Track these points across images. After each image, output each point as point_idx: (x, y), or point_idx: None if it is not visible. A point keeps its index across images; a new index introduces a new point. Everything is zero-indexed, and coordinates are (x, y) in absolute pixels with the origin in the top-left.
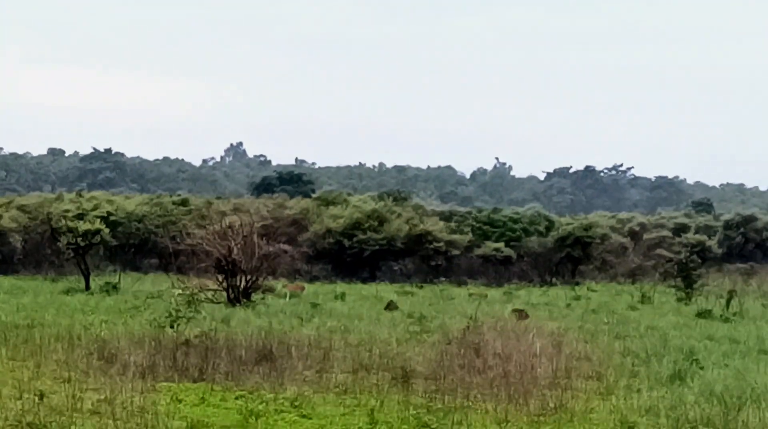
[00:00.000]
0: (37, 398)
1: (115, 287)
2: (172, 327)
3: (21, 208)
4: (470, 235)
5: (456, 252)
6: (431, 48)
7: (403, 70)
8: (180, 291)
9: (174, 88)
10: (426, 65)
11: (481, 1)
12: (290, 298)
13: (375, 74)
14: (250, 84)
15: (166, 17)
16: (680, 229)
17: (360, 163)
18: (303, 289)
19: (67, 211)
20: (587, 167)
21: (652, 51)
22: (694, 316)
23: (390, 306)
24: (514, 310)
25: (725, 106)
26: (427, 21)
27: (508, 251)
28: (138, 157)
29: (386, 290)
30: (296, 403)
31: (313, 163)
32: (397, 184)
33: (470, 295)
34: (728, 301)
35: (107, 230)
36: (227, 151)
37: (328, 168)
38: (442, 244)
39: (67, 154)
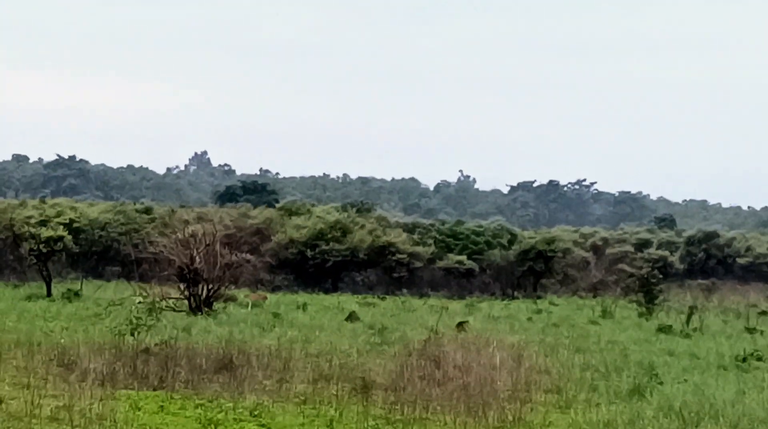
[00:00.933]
0: None
1: (77, 294)
2: (132, 335)
3: None
4: (433, 247)
5: (419, 264)
6: (397, 59)
7: (368, 81)
8: (141, 299)
9: (139, 94)
10: (391, 77)
11: (446, 12)
12: (252, 307)
13: (340, 85)
14: (216, 92)
15: (133, 23)
16: (642, 245)
17: (324, 173)
18: (265, 298)
19: (30, 217)
20: (551, 181)
21: (616, 65)
22: (654, 331)
23: (351, 317)
24: (458, 324)
25: (690, 123)
26: (392, 31)
27: (470, 264)
28: (102, 164)
29: (348, 301)
30: (255, 413)
31: (277, 174)
32: (361, 195)
33: (431, 307)
34: (689, 317)
35: (70, 237)
36: (192, 159)
37: (292, 178)
38: (405, 255)
39: (31, 161)
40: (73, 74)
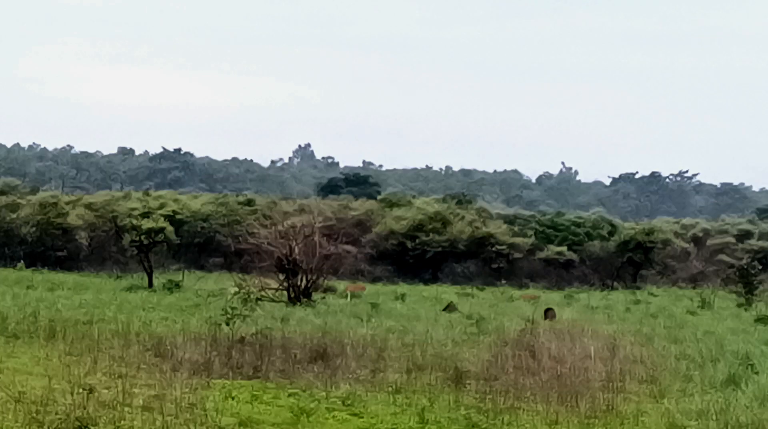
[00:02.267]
0: (87, 393)
1: (177, 285)
2: (227, 325)
3: (88, 206)
4: (533, 238)
5: (518, 255)
6: (499, 53)
7: (471, 74)
8: (237, 289)
9: (242, 88)
10: (494, 70)
11: (550, 4)
12: (351, 298)
13: (443, 78)
14: (320, 85)
15: (237, 18)
16: (744, 236)
17: (426, 165)
18: (364, 289)
19: (134, 209)
20: (653, 173)
21: (719, 56)
22: (753, 321)
23: (449, 307)
24: (546, 310)
25: None
26: (494, 26)
27: (570, 255)
28: (207, 157)
29: (447, 292)
30: (348, 402)
31: (380, 166)
32: (463, 187)
33: (518, 299)
34: None
35: (171, 228)
36: (296, 152)
37: (394, 170)
38: (504, 246)
39: (136, 154)
40: (178, 69)
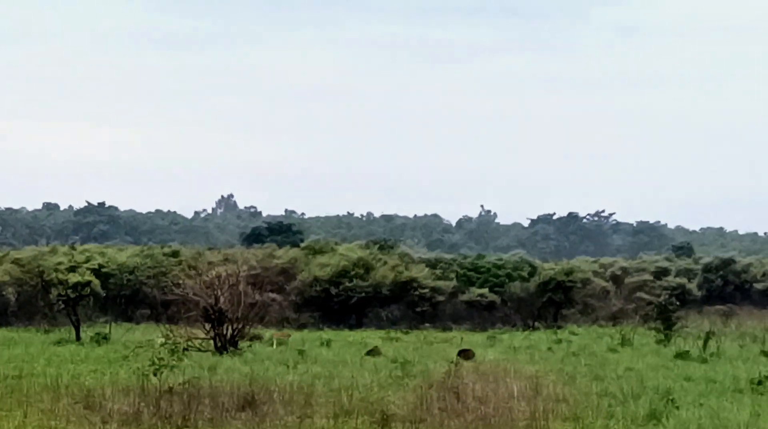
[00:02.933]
0: None
1: (105, 337)
2: (155, 375)
3: (15, 262)
4: (455, 281)
5: (441, 298)
6: (415, 99)
7: (389, 123)
8: (164, 340)
9: (163, 141)
10: (411, 118)
11: (463, 52)
12: (278, 345)
13: (363, 126)
14: (239, 136)
15: (156, 70)
16: (661, 273)
17: (348, 212)
18: (289, 336)
19: (60, 263)
20: (570, 214)
21: (631, 98)
22: (672, 357)
23: (373, 352)
24: (460, 352)
25: (705, 153)
26: (411, 72)
27: (492, 296)
28: (131, 210)
29: (372, 336)
30: None
31: (303, 214)
32: (385, 232)
33: (449, 341)
34: (705, 342)
35: (98, 282)
36: (218, 202)
37: (317, 218)
38: (427, 290)
39: (62, 208)
40: (100, 123)
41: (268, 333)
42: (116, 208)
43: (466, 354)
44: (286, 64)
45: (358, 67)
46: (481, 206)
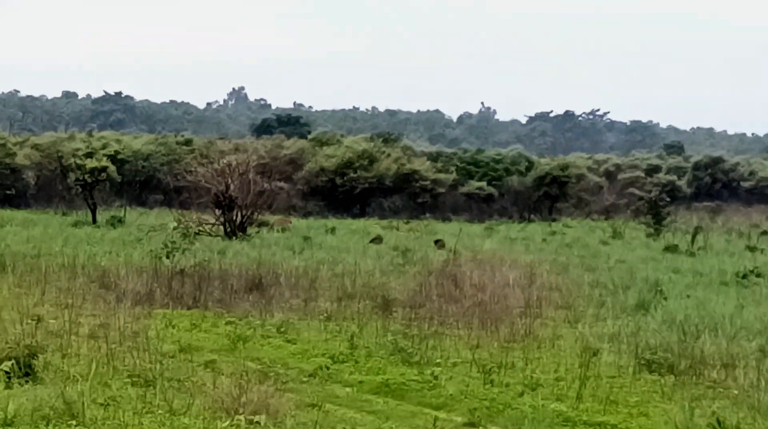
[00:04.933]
0: (35, 322)
1: (120, 221)
2: (168, 257)
3: (35, 147)
4: (455, 174)
5: (441, 190)
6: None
7: (397, 21)
8: (176, 224)
9: (179, 34)
10: (418, 16)
11: None
12: (282, 231)
13: (369, 22)
14: (252, 29)
15: None
16: (652, 170)
17: (354, 107)
18: (290, 223)
19: (78, 149)
20: (567, 112)
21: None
22: (661, 250)
23: (375, 240)
24: (436, 241)
25: (698, 54)
26: None
27: (490, 189)
28: (146, 100)
29: (375, 225)
30: (282, 329)
31: (310, 107)
32: (389, 127)
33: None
34: (694, 237)
35: (114, 168)
36: (230, 94)
37: (324, 111)
38: (428, 182)
39: (80, 97)
40: (119, 14)
41: (273, 220)
42: (132, 98)
43: (439, 243)
44: None
45: None
46: (482, 103)
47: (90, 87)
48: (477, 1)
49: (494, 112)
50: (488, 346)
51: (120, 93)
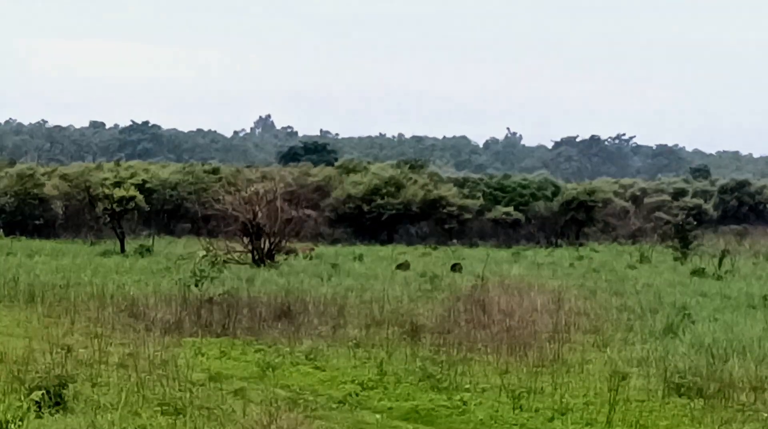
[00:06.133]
0: (65, 352)
1: (148, 250)
2: (196, 286)
3: (63, 177)
4: (482, 199)
5: (468, 216)
6: (446, 23)
7: (420, 46)
8: (205, 253)
9: (207, 63)
10: (442, 40)
11: None
12: (309, 258)
13: (395, 50)
14: (278, 58)
15: None
16: (679, 194)
17: (380, 133)
18: (312, 250)
19: (106, 179)
20: (593, 136)
21: (652, 24)
22: (688, 274)
23: (402, 266)
24: (453, 266)
25: (723, 78)
26: None
27: (517, 215)
28: (174, 128)
29: (402, 251)
30: (311, 356)
31: (337, 134)
32: (416, 153)
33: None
34: (721, 260)
35: (142, 197)
36: (257, 122)
37: (350, 138)
38: (455, 208)
39: (107, 127)
40: (144, 43)
41: (297, 247)
42: (159, 127)
43: (457, 267)
44: None
45: None
46: (508, 129)
47: (117, 116)
48: (501, 26)
49: (520, 137)
50: (517, 372)
51: (147, 122)
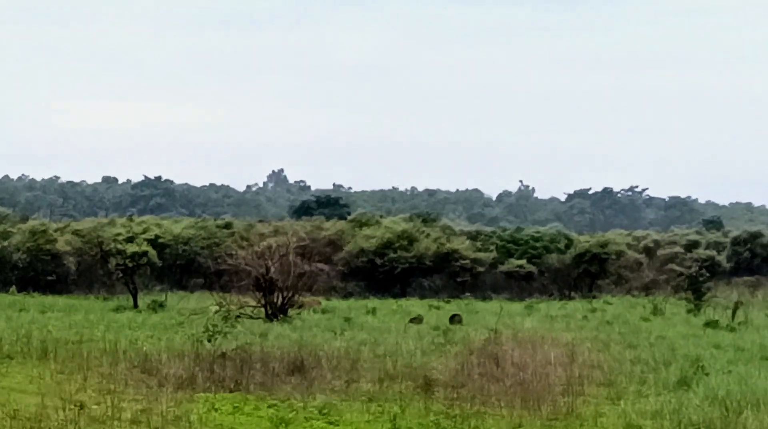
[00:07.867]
0: (78, 409)
1: (161, 305)
2: (209, 341)
3: (75, 233)
4: (494, 252)
5: (481, 268)
6: (458, 76)
7: (432, 98)
8: (218, 308)
9: (218, 118)
10: (453, 93)
11: (502, 29)
12: (320, 312)
13: (407, 103)
14: (291, 112)
15: (207, 48)
16: (692, 246)
17: (393, 187)
18: (319, 303)
19: (118, 234)
20: (605, 189)
21: (665, 76)
22: (702, 326)
23: (415, 319)
24: (452, 317)
25: (735, 129)
26: (453, 49)
27: (529, 267)
28: (186, 183)
29: (415, 305)
30: (324, 411)
31: (350, 188)
32: (428, 206)
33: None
34: (734, 312)
35: (154, 252)
36: (269, 176)
37: (363, 192)
38: (468, 261)
39: (120, 182)
40: (155, 99)
41: (305, 301)
42: (172, 182)
43: (455, 318)
44: (334, 40)
45: (401, 45)
46: (520, 181)
47: (129, 171)
48: (512, 79)
49: (533, 189)
50: (530, 425)
51: (159, 177)
